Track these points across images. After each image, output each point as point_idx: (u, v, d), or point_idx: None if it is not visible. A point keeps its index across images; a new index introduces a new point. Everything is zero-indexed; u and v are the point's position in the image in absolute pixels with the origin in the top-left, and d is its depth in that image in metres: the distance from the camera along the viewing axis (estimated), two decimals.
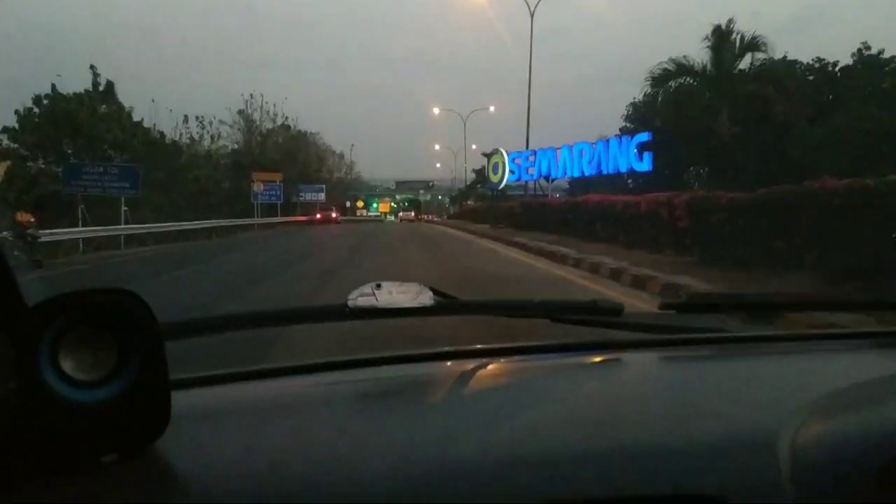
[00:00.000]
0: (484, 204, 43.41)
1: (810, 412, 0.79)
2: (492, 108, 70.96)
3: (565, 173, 28.10)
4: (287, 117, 65.12)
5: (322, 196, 65.39)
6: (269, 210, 51.52)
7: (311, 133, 75.12)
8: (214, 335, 1.10)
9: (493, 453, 0.75)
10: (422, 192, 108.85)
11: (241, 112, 63.20)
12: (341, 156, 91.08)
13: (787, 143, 24.71)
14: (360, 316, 1.07)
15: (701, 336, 1.31)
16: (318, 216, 59.13)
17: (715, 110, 25.07)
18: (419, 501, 0.68)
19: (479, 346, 1.26)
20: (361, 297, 1.08)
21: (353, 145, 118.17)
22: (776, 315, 1.64)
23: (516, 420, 0.85)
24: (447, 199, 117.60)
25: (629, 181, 45.27)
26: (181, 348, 0.95)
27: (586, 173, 26.71)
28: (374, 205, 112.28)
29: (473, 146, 64.51)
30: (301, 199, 64.07)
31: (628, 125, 58.33)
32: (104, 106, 35.76)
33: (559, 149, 28.20)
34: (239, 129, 63.27)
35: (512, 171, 32.80)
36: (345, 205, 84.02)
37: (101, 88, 36.64)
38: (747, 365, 1.18)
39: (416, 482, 0.71)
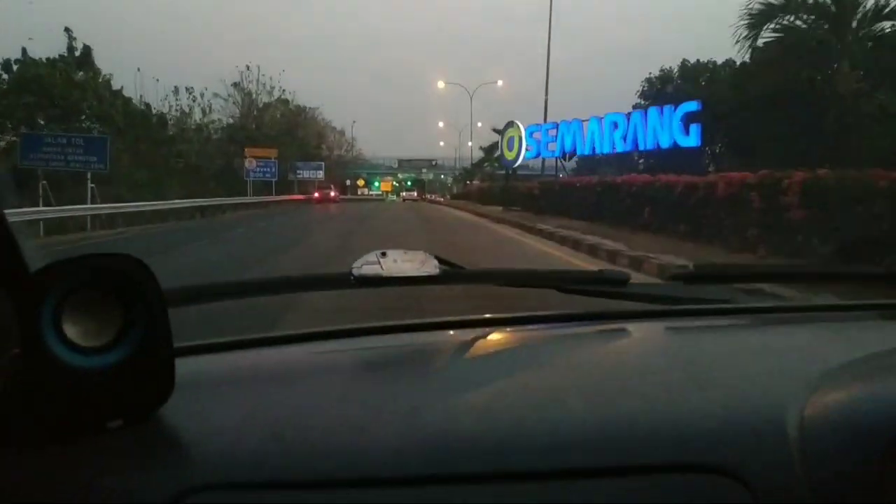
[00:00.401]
0: (494, 184, 40.14)
1: (819, 383, 0.77)
2: (500, 83, 66.76)
3: (593, 149, 23.45)
4: (284, 90, 61.19)
5: (321, 174, 61.95)
6: (264, 188, 48.18)
7: (310, 108, 71.65)
8: (218, 301, 1.09)
9: (498, 421, 0.75)
10: (424, 170, 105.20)
11: (236, 85, 59.70)
12: (342, 132, 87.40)
13: None
14: (365, 284, 1.04)
15: (708, 307, 1.28)
16: (316, 195, 55.78)
17: (831, 59, 20.03)
18: (425, 469, 0.68)
19: (484, 316, 1.24)
20: (367, 266, 1.05)
21: (354, 122, 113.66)
22: (786, 285, 1.07)
23: (520, 388, 0.85)
24: (449, 179, 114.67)
25: (640, 161, 42.03)
26: (185, 315, 0.92)
27: (618, 149, 22.27)
28: (376, 183, 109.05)
29: (479, 124, 60.92)
30: (298, 176, 60.67)
31: (642, 101, 54.78)
32: (80, 73, 32.26)
33: (586, 121, 23.80)
34: (234, 103, 59.76)
35: (529, 147, 28.14)
36: (345, 183, 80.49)
37: (77, 54, 33.15)
38: (754, 336, 1.16)
39: (422, 449, 0.70)
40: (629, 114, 21.13)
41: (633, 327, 1.19)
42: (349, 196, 79.29)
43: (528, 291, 1.36)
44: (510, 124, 29.95)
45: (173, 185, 34.26)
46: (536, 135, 27.54)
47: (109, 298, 0.67)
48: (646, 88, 58.38)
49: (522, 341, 1.15)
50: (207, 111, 47.21)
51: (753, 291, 1.37)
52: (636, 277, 6.84)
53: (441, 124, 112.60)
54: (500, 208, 28.44)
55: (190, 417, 0.73)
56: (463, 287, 1.43)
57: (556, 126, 25.32)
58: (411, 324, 1.17)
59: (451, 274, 1.11)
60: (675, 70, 57.34)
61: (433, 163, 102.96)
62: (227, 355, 1.02)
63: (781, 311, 1.32)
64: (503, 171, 63.95)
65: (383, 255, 1.06)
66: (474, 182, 62.82)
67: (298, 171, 60.81)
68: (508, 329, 1.20)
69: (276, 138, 58.00)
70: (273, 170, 48.41)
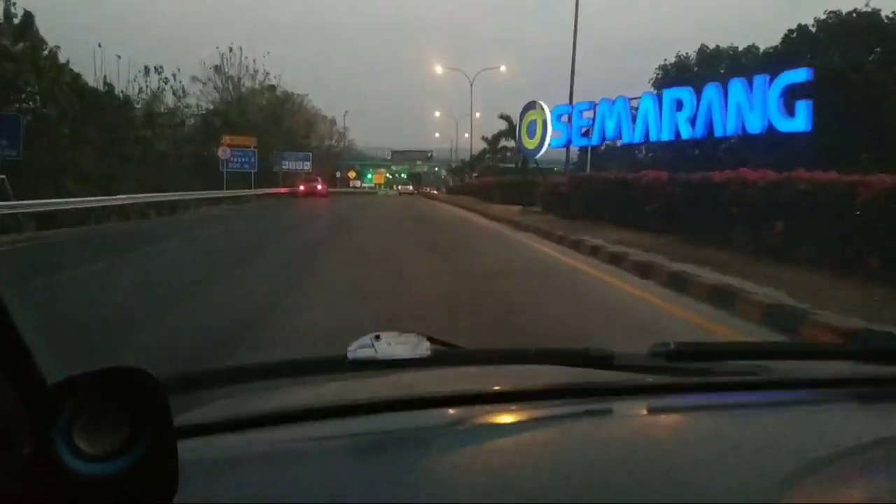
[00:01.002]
0: (504, 178, 34.98)
1: (791, 483, 0.79)
2: (503, 68, 61.06)
3: (646, 135, 17.00)
4: (268, 73, 55.64)
5: (307, 165, 56.62)
6: (243, 180, 42.76)
7: (298, 95, 66.18)
8: (217, 388, 1.12)
9: None
10: (419, 163, 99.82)
11: (217, 68, 54.21)
12: (333, 122, 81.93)
13: None
14: (360, 368, 1.07)
15: (690, 381, 1.29)
16: (301, 188, 50.48)
17: None
18: None
19: (474, 391, 1.25)
20: (361, 349, 1.07)
21: (346, 112, 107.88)
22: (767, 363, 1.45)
23: (507, 482, 0.87)
24: (443, 172, 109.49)
25: (647, 154, 36.97)
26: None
27: (684, 135, 15.63)
28: (369, 176, 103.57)
29: (478, 114, 55.24)
30: (284, 168, 55.28)
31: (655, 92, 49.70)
32: (21, 44, 26.78)
33: (635, 98, 17.90)
34: (215, 88, 54.40)
35: (557, 134, 21.49)
36: (334, 175, 74.92)
37: (15, 21, 27.69)
38: (731, 419, 1.17)
39: None
40: (702, 89, 15.26)
41: (617, 406, 1.21)
42: (339, 189, 73.78)
43: (521, 368, 1.42)
44: (531, 106, 23.65)
45: (127, 175, 28.90)
46: (565, 118, 21.22)
47: (118, 408, 0.69)
48: (660, 76, 53.51)
49: (512, 424, 1.13)
50: (181, 94, 41.68)
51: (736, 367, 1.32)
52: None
53: (437, 114, 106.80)
54: (517, 208, 23.26)
55: None
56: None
57: (594, 106, 19.11)
58: (403, 400, 1.17)
59: (444, 355, 1.15)
60: (693, 57, 52.53)
61: (428, 154, 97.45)
62: (225, 438, 1.02)
63: (761, 387, 1.31)
64: (512, 164, 58.87)
65: (377, 337, 1.08)
66: (474, 175, 57.36)
67: (284, 162, 55.44)
68: (499, 407, 1.18)
69: (259, 126, 52.61)
70: (252, 160, 43.07)
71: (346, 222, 20.67)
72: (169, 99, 40.47)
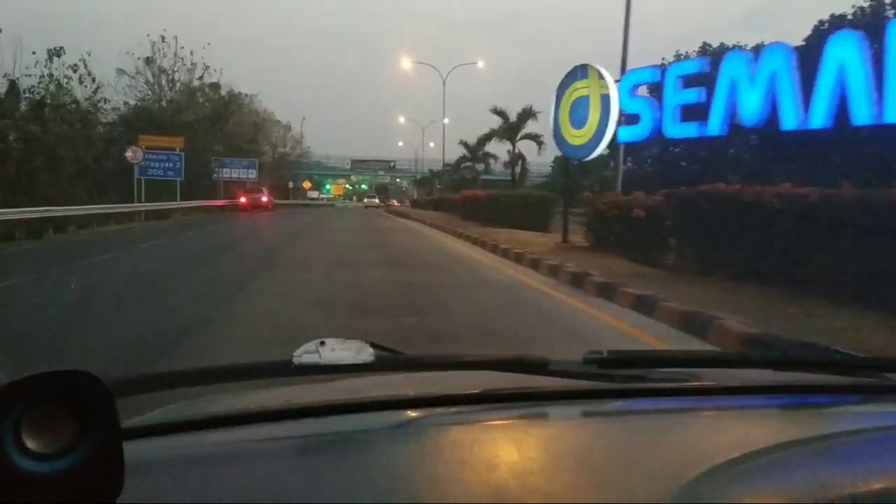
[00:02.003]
0: (506, 193, 26.03)
1: (702, 484, 0.82)
2: (480, 64, 52.65)
3: (801, 114, 8.52)
4: (208, 67, 46.33)
5: (253, 173, 47.71)
6: (166, 190, 33.63)
7: (246, 94, 57.07)
8: (165, 391, 1.13)
9: None
10: (381, 173, 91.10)
11: (148, 60, 44.84)
12: (288, 127, 72.76)
13: None
14: (304, 372, 1.09)
15: (622, 387, 1.30)
16: (242, 199, 41.53)
17: None
18: None
19: (416, 395, 1.28)
20: (306, 354, 1.09)
21: (304, 118, 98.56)
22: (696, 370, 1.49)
23: (441, 486, 0.88)
24: (405, 183, 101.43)
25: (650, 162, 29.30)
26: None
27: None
28: (327, 187, 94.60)
29: (446, 120, 46.31)
30: (224, 176, 46.17)
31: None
32: None
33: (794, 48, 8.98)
34: (146, 83, 44.99)
35: (631, 118, 11.89)
36: (287, 185, 65.69)
37: None
38: (657, 425, 1.18)
39: None
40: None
41: (550, 411, 1.24)
42: (292, 200, 64.59)
43: (460, 373, 1.44)
44: (578, 73, 13.08)
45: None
46: (644, 90, 12.50)
47: (65, 409, 0.70)
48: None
49: (448, 428, 1.15)
50: (90, 84, 32.41)
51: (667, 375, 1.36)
52: None
53: (402, 120, 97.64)
54: (545, 239, 14.96)
55: None
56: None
57: (709, 64, 10.61)
58: (346, 404, 1.19)
59: (386, 360, 1.17)
60: (694, 55, 45.64)
61: (391, 164, 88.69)
62: (169, 439, 1.03)
63: (691, 394, 1.34)
64: (497, 177, 50.25)
65: (322, 343, 1.10)
66: (437, 187, 48.90)
67: (223, 170, 46.38)
68: (437, 410, 1.20)
69: (193, 127, 43.50)
70: (178, 165, 34.05)
71: (295, 253, 12.47)
72: (78, 91, 31.32)
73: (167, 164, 33.65)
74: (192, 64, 45.57)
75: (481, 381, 1.32)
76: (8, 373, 0.97)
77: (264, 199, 42.20)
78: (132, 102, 39.89)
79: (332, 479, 0.90)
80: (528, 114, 41.32)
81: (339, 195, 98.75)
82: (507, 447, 1.06)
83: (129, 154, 30.14)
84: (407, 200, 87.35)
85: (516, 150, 42.62)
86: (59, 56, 30.01)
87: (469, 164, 46.58)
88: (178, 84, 46.21)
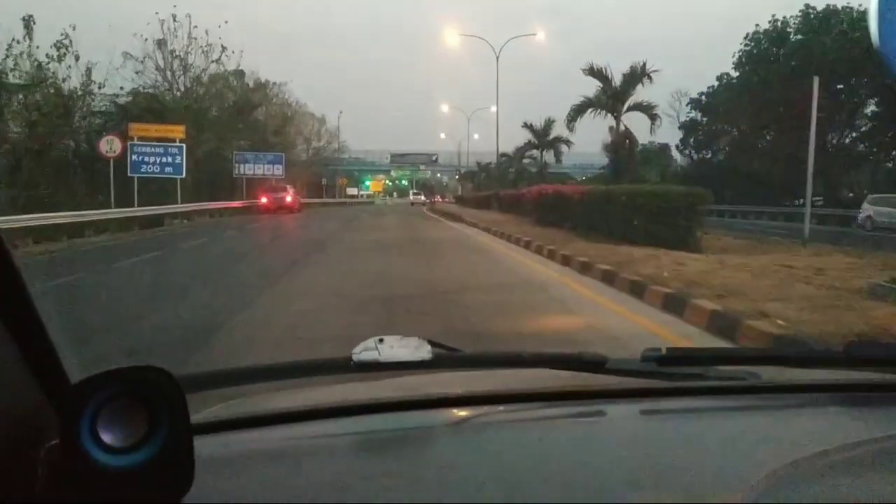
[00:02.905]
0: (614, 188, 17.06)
1: (764, 485, 0.79)
2: (540, 35, 43.95)
3: None
4: (225, 49, 39.51)
5: (279, 170, 40.94)
6: (162, 189, 27.00)
7: (274, 83, 50.46)
8: (229, 387, 1.13)
9: None
10: (422, 167, 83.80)
11: (160, 43, 38.38)
12: (322, 120, 66.01)
13: None
14: (364, 369, 1.08)
15: (679, 386, 1.27)
16: (263, 200, 34.82)
17: None
18: None
19: (474, 393, 1.29)
20: (365, 352, 1.08)
21: (341, 112, 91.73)
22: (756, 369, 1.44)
23: (504, 483, 0.87)
24: (445, 178, 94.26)
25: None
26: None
27: None
28: (367, 183, 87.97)
29: (493, 108, 38.17)
30: (244, 173, 39.57)
31: (734, 73, 36.35)
32: None
33: None
34: (157, 69, 38.52)
35: None
36: (320, 183, 58.93)
37: None
38: (720, 422, 1.18)
39: None
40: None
41: (609, 409, 1.21)
42: (327, 200, 57.87)
43: (518, 371, 1.40)
44: None
45: None
46: None
47: (138, 403, 0.71)
48: (751, 49, 37.86)
49: (509, 425, 1.15)
50: (76, 66, 25.95)
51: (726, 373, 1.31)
52: None
53: (445, 108, 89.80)
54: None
55: None
56: None
57: None
58: (406, 401, 1.19)
59: (444, 358, 1.15)
60: (795, 20, 36.92)
61: (433, 158, 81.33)
62: (235, 435, 1.04)
63: (751, 392, 1.31)
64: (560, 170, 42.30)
65: (381, 341, 1.08)
66: (473, 185, 41.40)
67: (245, 165, 39.79)
68: (496, 408, 1.20)
69: (208, 115, 36.96)
70: (178, 160, 27.36)
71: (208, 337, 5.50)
72: (62, 72, 24.88)
73: (165, 159, 27.00)
74: (207, 45, 39.00)
75: (539, 379, 1.32)
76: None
77: (289, 198, 35.40)
78: (130, 86, 33.27)
79: (392, 476, 0.89)
80: (637, 75, 30.10)
81: (379, 192, 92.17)
82: (567, 445, 1.05)
83: (102, 146, 23.29)
84: (450, 196, 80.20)
85: (621, 127, 31.08)
86: (29, 27, 23.62)
87: (535, 151, 38.25)
88: (192, 69, 39.69)
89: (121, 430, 0.70)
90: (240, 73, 45.39)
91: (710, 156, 46.87)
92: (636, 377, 1.25)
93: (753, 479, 0.79)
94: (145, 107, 31.54)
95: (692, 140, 46.85)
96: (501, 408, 1.21)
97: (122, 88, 30.36)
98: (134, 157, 26.06)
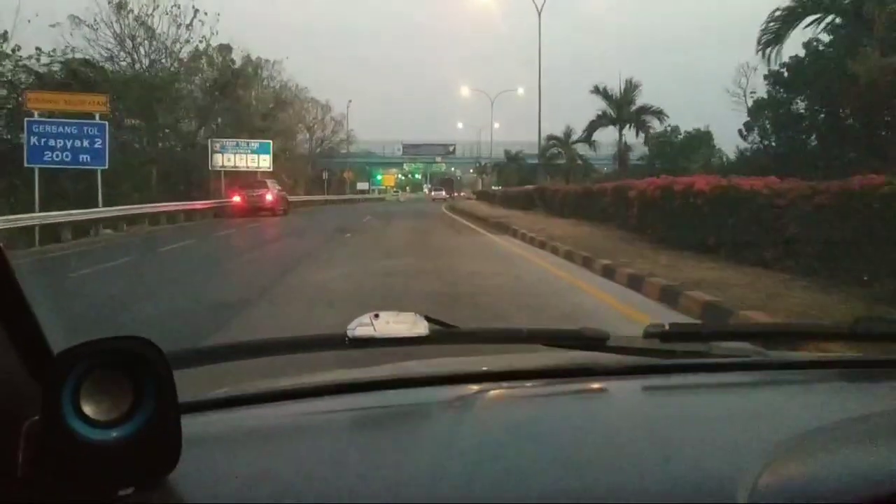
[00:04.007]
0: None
1: (776, 454, 0.78)
2: None
3: None
4: (198, 11, 30.93)
5: (265, 161, 32.46)
6: (82, 183, 18.61)
7: (267, 60, 41.79)
8: (220, 363, 1.07)
9: (477, 494, 0.75)
10: (438, 159, 74.62)
11: (119, 5, 29.76)
12: (327, 108, 57.27)
13: None
14: (359, 345, 1.03)
15: (681, 363, 1.23)
16: (236, 198, 26.33)
17: None
18: None
19: (471, 371, 1.25)
20: (360, 327, 1.03)
21: (350, 101, 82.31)
22: (759, 343, 1.46)
23: (501, 459, 0.84)
24: (458, 171, 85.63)
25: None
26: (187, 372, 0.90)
27: None
28: (378, 177, 79.15)
29: (521, 90, 28.52)
30: (223, 165, 31.19)
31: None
32: None
33: None
34: (115, 36, 29.98)
35: None
36: (321, 176, 50.17)
37: None
38: (723, 397, 1.14)
39: None
40: None
41: (611, 385, 1.17)
42: (328, 197, 49.23)
43: (516, 346, 1.31)
44: None
45: None
46: None
47: (121, 375, 0.68)
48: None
49: (507, 402, 1.11)
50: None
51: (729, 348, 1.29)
52: None
53: (465, 91, 79.84)
54: None
55: (195, 481, 0.73)
56: None
57: None
58: (403, 379, 1.16)
59: (442, 334, 1.10)
60: None
61: (450, 149, 72.07)
62: (227, 413, 1.00)
63: (754, 368, 1.27)
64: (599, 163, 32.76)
65: (376, 316, 1.03)
66: (488, 179, 31.88)
67: (224, 155, 31.36)
68: (495, 386, 1.16)
69: (168, 90, 28.52)
70: (98, 144, 18.70)
71: None
72: None
73: (80, 143, 18.35)
74: (174, 5, 30.37)
75: (539, 357, 1.27)
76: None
77: (269, 197, 26.66)
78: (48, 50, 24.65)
79: (389, 453, 0.87)
80: None
81: (391, 186, 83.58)
82: (567, 421, 1.00)
83: None
84: (467, 192, 71.44)
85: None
86: None
87: (614, 126, 27.95)
88: (160, 38, 31.10)
89: (105, 404, 0.66)
90: (225, 48, 37.00)
91: (781, 142, 37.15)
92: (638, 355, 1.20)
93: (759, 454, 0.77)
94: (82, 78, 23.09)
95: (765, 122, 37.20)
96: (503, 384, 1.17)
97: (38, 50, 21.98)
98: (33, 140, 17.56)
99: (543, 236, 12.81)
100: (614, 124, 28.68)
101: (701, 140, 42.14)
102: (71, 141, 18.21)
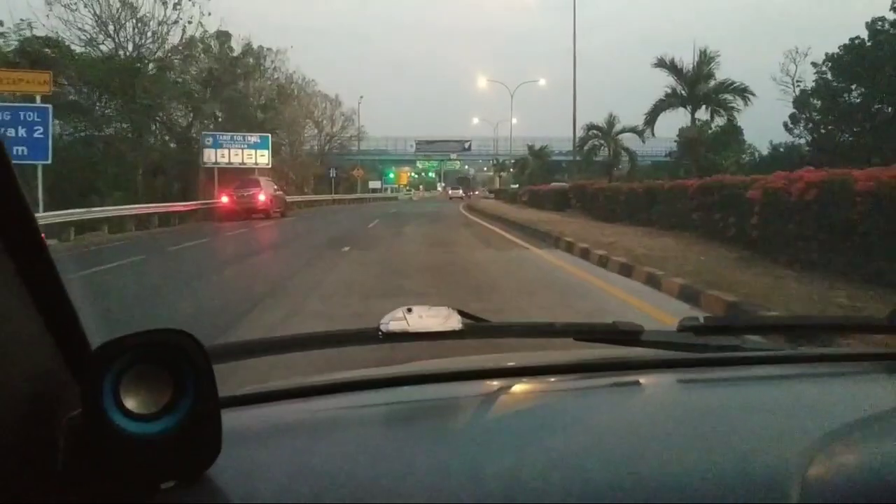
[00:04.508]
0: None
1: (822, 445, 0.77)
2: None
3: None
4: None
5: (264, 156, 28.68)
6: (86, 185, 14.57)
7: (269, 49, 37.91)
8: (255, 358, 1.07)
9: (519, 487, 0.73)
10: (453, 156, 70.46)
11: None
12: (337, 102, 53.37)
13: None
14: (392, 339, 1.03)
15: (718, 356, 1.22)
16: (224, 199, 22.63)
17: None
18: None
19: (505, 366, 1.23)
20: (394, 322, 1.02)
21: (361, 97, 78.15)
22: (793, 336, 1.43)
23: (540, 450, 0.83)
24: (472, 169, 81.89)
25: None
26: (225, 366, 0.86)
27: None
28: (391, 175, 75.24)
29: (542, 80, 24.58)
30: (217, 161, 27.47)
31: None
32: None
33: None
34: (95, 16, 26.19)
35: None
36: (327, 174, 46.30)
37: None
38: (761, 391, 1.11)
39: None
40: None
41: (646, 379, 1.14)
42: (336, 196, 45.38)
43: (548, 341, 1.31)
44: None
45: None
46: None
47: (162, 369, 0.67)
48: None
49: (542, 395, 1.10)
50: None
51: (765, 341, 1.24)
52: None
53: (483, 82, 75.77)
54: None
55: (236, 476, 0.72)
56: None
57: None
58: (437, 374, 1.15)
59: (475, 328, 1.09)
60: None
61: (466, 145, 67.89)
62: (263, 408, 0.99)
63: (788, 361, 1.26)
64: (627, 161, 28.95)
65: (409, 310, 1.03)
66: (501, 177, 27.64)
67: (215, 150, 27.59)
68: (529, 380, 1.15)
69: (146, 76, 24.76)
70: (39, 132, 14.77)
71: None
72: None
73: (14, 131, 14.52)
74: None
75: (572, 351, 1.26)
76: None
77: (261, 197, 22.81)
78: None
79: (428, 448, 0.86)
80: None
81: (404, 185, 79.77)
82: (606, 414, 0.99)
83: None
84: (483, 190, 67.51)
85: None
86: None
87: (684, 107, 23.25)
88: (147, 21, 27.29)
89: (145, 397, 0.65)
90: (223, 35, 33.24)
91: (830, 135, 32.35)
92: (672, 349, 1.19)
93: (805, 445, 0.76)
94: (38, 58, 19.31)
95: (815, 113, 32.47)
96: (538, 378, 1.16)
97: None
98: None
99: (622, 255, 8.75)
100: (685, 105, 24.12)
101: (729, 135, 37.74)
102: (2, 129, 14.40)
